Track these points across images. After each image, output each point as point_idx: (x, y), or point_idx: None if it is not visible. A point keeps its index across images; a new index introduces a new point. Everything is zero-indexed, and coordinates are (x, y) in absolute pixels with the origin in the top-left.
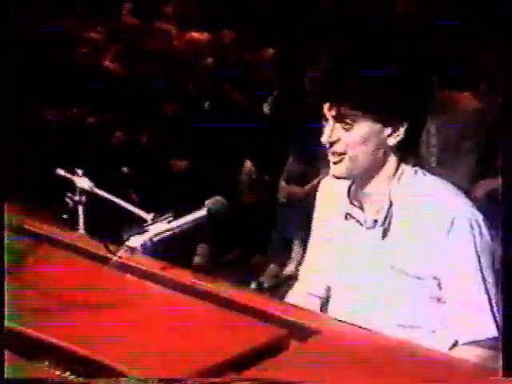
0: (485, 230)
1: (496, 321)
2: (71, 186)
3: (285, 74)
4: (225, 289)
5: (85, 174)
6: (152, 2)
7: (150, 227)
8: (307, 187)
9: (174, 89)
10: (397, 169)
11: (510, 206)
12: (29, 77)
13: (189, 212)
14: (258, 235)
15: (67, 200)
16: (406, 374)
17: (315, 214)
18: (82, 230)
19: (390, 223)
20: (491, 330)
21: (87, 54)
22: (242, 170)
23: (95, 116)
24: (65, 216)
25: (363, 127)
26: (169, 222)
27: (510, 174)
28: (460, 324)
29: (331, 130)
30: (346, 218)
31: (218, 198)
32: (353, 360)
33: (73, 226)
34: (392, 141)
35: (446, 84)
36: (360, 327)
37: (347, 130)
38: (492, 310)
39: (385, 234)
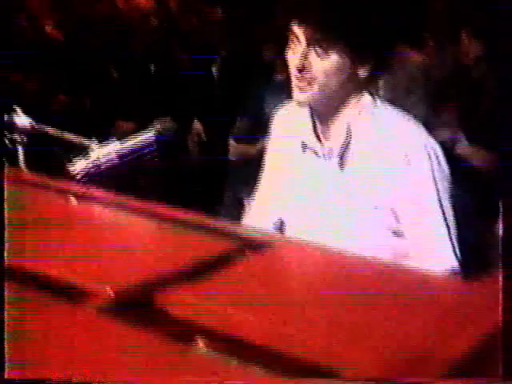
0: (442, 160)
1: (455, 252)
2: (9, 126)
3: (233, 34)
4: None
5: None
6: None
7: (95, 150)
8: (258, 145)
9: (118, 53)
10: (359, 100)
11: (509, 205)
12: None
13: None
14: (210, 196)
15: (6, 141)
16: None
17: (269, 147)
18: (24, 169)
19: (347, 153)
20: (451, 261)
21: (27, 19)
22: (190, 130)
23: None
24: (3, 158)
25: (337, 56)
26: (114, 145)
27: (508, 173)
28: (420, 256)
29: (303, 54)
30: (302, 148)
31: (167, 119)
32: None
33: (13, 165)
34: (362, 73)
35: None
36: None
37: (320, 56)
38: (451, 240)
39: (342, 164)
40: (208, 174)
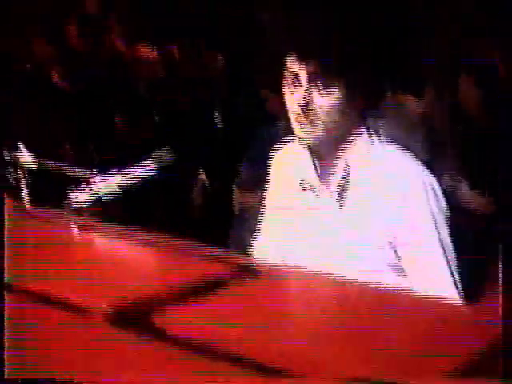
0: (439, 193)
1: (456, 283)
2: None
3: (234, 81)
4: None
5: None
6: (97, 19)
7: (96, 181)
8: (261, 194)
9: (123, 101)
10: (358, 138)
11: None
12: None
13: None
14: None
15: (8, 176)
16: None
17: (269, 188)
18: (27, 204)
19: (346, 191)
20: (452, 294)
21: (35, 69)
22: (194, 179)
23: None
24: (6, 194)
25: (338, 93)
26: (115, 176)
27: (508, 173)
28: (422, 290)
29: (305, 92)
30: (301, 187)
31: (165, 149)
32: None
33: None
34: (362, 108)
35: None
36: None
37: (321, 94)
38: (452, 273)
39: (341, 202)
40: (212, 221)
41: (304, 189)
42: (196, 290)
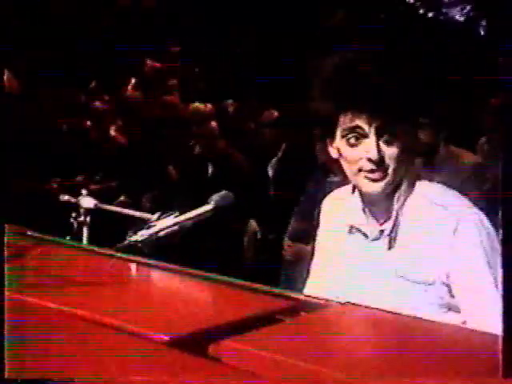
0: (489, 227)
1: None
2: (75, 208)
3: (288, 136)
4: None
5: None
6: (156, 76)
7: (156, 223)
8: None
9: (178, 154)
10: (412, 184)
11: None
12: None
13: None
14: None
15: (72, 221)
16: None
17: (319, 233)
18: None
19: (396, 232)
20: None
21: (94, 124)
22: (246, 230)
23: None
24: (68, 238)
25: (404, 139)
26: (175, 217)
27: (509, 173)
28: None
29: (375, 146)
30: (350, 231)
31: (225, 192)
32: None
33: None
34: (420, 154)
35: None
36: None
37: (388, 143)
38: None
39: (390, 243)
40: (262, 269)
41: (353, 233)
42: (251, 324)
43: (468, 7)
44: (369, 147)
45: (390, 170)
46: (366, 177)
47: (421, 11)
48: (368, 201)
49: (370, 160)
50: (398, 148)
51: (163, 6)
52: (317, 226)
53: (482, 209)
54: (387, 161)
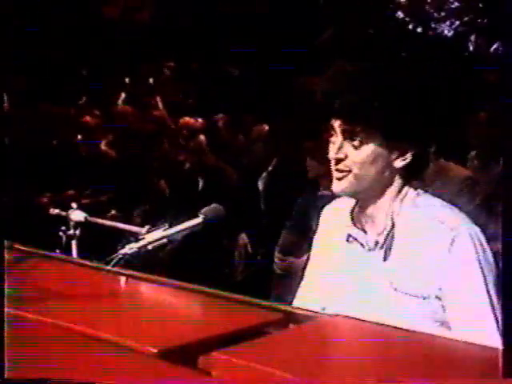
0: (485, 243)
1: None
2: (64, 221)
3: (279, 150)
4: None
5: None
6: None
7: (146, 236)
8: (303, 258)
9: (168, 168)
10: (400, 190)
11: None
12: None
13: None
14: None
15: (61, 235)
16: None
17: (315, 239)
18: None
19: (391, 244)
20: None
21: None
22: (237, 243)
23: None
24: (58, 251)
25: (372, 147)
26: (164, 230)
27: (509, 173)
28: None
29: (339, 147)
30: (347, 240)
31: (215, 205)
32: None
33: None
34: (399, 163)
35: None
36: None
37: (355, 147)
38: (499, 327)
39: (386, 255)
40: (253, 281)
41: (350, 242)
42: (240, 336)
43: (457, 22)
44: (335, 146)
45: (352, 174)
46: (333, 175)
47: (410, 26)
48: (359, 208)
49: (332, 158)
50: (366, 155)
51: (156, 21)
52: (314, 234)
53: (476, 223)
54: (349, 163)
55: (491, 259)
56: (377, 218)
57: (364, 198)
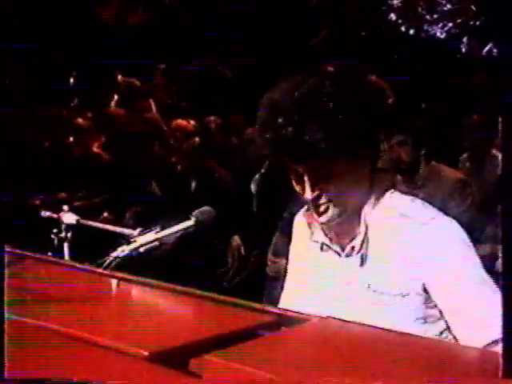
0: (463, 234)
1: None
2: (56, 223)
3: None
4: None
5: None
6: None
7: (137, 238)
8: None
9: (161, 170)
10: (370, 194)
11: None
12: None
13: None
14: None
15: (53, 237)
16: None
17: (291, 249)
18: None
19: (367, 249)
20: (494, 333)
21: (77, 140)
22: (230, 245)
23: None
24: (50, 253)
25: (343, 174)
26: (156, 233)
27: (508, 174)
28: (463, 334)
29: (311, 186)
30: (321, 249)
31: (207, 207)
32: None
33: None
34: (370, 174)
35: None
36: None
37: (327, 181)
38: (491, 310)
39: (363, 259)
40: (245, 283)
41: (324, 250)
42: (232, 339)
43: (450, 24)
44: (305, 188)
45: (333, 203)
46: (314, 210)
47: (402, 28)
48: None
49: (309, 199)
50: (340, 183)
51: (149, 23)
52: (289, 242)
53: (463, 222)
54: (327, 196)
55: (471, 249)
56: (351, 225)
57: (344, 214)
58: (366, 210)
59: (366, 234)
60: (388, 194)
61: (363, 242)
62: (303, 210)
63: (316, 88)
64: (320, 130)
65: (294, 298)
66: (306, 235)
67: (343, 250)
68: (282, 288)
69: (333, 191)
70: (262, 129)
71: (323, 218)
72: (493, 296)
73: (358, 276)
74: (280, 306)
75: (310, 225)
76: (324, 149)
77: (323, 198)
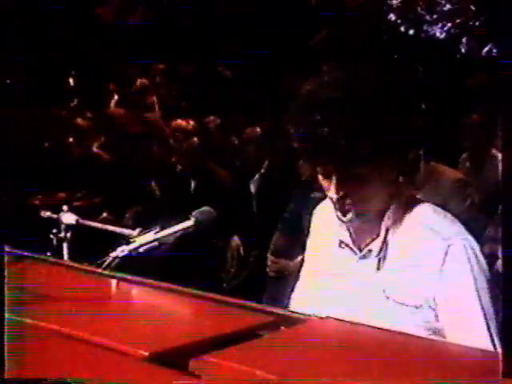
0: (479, 254)
1: (495, 347)
2: (55, 223)
3: (271, 152)
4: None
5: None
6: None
7: (136, 239)
8: (296, 260)
9: (160, 170)
10: (392, 199)
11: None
12: None
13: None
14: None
15: (52, 237)
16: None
17: (309, 242)
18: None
19: (385, 254)
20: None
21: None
22: (229, 246)
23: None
24: (49, 253)
25: (369, 178)
26: (156, 233)
27: (508, 175)
28: None
29: (336, 187)
30: (340, 245)
31: (206, 208)
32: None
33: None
34: (396, 179)
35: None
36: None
37: (353, 184)
38: (491, 336)
39: (379, 264)
40: (245, 284)
41: (342, 248)
42: (232, 339)
43: (449, 24)
44: (332, 187)
45: (356, 205)
46: (337, 207)
47: (402, 29)
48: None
49: (333, 198)
50: (366, 188)
51: (148, 23)
52: (306, 236)
53: (462, 222)
54: (351, 199)
55: (485, 269)
56: (371, 227)
57: (366, 215)
58: (389, 216)
59: (385, 238)
60: (422, 205)
61: (382, 246)
62: (323, 204)
63: (356, 90)
64: (355, 133)
65: (307, 291)
66: (325, 230)
67: (360, 250)
68: (282, 289)
69: (358, 194)
70: (296, 122)
71: (346, 218)
72: (489, 323)
73: (373, 279)
74: (293, 298)
75: (330, 221)
76: (356, 152)
77: (348, 199)
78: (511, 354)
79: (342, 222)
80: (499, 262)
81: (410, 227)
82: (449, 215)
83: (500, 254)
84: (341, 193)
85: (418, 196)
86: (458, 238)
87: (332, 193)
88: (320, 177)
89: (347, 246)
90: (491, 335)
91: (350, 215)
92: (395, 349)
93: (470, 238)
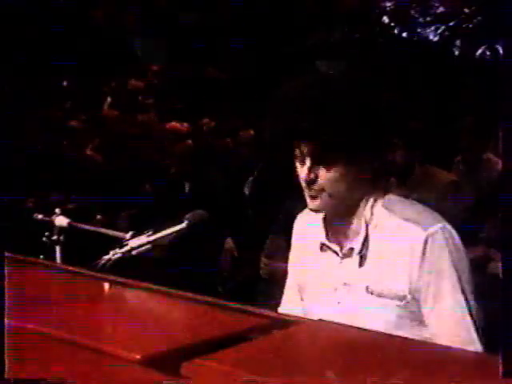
0: (458, 241)
1: (479, 334)
2: (48, 226)
3: (265, 155)
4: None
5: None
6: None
7: (130, 242)
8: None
9: (154, 173)
10: (369, 197)
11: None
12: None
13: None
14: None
15: (45, 240)
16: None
17: (292, 250)
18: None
19: (367, 250)
20: (476, 346)
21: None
22: (223, 248)
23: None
24: (41, 256)
25: (342, 165)
26: (149, 236)
27: (508, 176)
28: (443, 341)
29: (309, 168)
30: (321, 249)
31: (199, 210)
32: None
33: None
34: (369, 174)
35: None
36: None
37: (326, 168)
38: (475, 323)
39: (362, 261)
40: (239, 286)
41: (324, 250)
42: (224, 342)
43: (442, 27)
44: (304, 168)
45: (326, 193)
46: (307, 193)
47: (395, 31)
48: (332, 220)
49: (303, 180)
50: (337, 174)
51: (143, 25)
52: (283, 245)
53: (456, 225)
54: (321, 183)
55: (465, 257)
56: (351, 225)
57: (337, 210)
58: (366, 211)
59: (366, 235)
60: (388, 197)
61: (363, 243)
62: (304, 212)
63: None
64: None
65: (294, 298)
66: (306, 236)
67: (341, 250)
68: (277, 290)
69: (328, 180)
70: (274, 117)
71: (313, 204)
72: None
73: (356, 277)
74: (281, 306)
75: (310, 225)
76: (331, 137)
77: (317, 183)
78: (511, 354)
79: (311, 210)
80: (493, 264)
81: (388, 220)
82: (426, 207)
83: (500, 255)
84: (311, 175)
85: (411, 197)
86: (437, 226)
87: (303, 174)
88: (298, 165)
89: (328, 248)
90: (474, 322)
91: (317, 202)
92: (388, 351)
93: (449, 226)
